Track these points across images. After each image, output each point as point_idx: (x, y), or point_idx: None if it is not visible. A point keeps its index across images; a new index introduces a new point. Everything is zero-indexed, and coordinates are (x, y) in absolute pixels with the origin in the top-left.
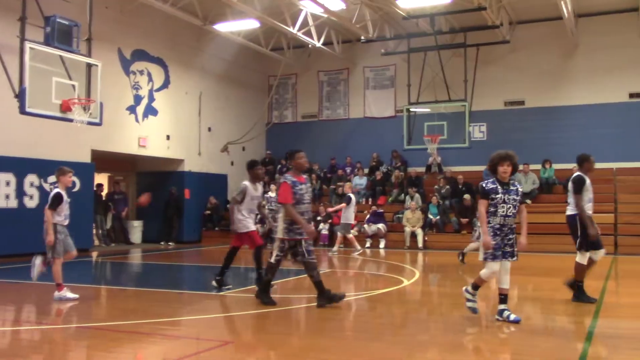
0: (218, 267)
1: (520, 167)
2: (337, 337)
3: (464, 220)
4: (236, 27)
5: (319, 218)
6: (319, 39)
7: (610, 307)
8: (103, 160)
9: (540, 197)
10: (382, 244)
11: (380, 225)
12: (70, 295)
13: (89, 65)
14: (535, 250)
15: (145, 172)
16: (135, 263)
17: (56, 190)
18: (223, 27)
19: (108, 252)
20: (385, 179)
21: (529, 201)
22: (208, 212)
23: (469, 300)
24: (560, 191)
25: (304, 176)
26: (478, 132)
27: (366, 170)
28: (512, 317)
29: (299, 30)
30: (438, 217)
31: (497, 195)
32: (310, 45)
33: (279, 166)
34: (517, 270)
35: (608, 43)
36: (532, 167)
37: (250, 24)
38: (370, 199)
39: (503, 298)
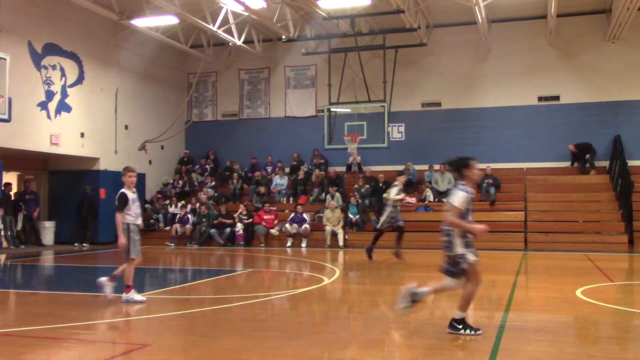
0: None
1: (437, 167)
2: (257, 337)
3: None
4: (154, 22)
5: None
6: (239, 38)
7: (520, 301)
8: (12, 158)
9: None
10: (303, 243)
11: (306, 225)
12: (137, 297)
13: None
14: None
15: (58, 170)
16: (47, 265)
17: (121, 190)
18: (140, 23)
19: (18, 254)
20: (306, 178)
21: (445, 199)
22: None
23: None
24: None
25: None
26: (397, 132)
27: (287, 170)
28: None
29: (219, 28)
30: (358, 217)
31: None
32: (230, 44)
33: (197, 165)
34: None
35: (519, 48)
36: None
37: (169, 20)
38: (291, 199)
39: None
